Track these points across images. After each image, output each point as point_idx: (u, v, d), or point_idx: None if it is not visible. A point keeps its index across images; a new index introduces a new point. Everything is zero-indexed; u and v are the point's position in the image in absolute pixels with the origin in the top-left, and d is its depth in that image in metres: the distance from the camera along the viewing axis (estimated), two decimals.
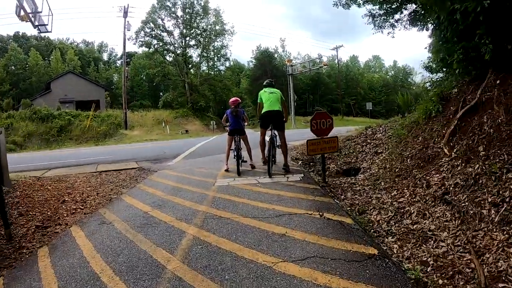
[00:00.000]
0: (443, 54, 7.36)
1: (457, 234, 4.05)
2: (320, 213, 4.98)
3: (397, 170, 6.78)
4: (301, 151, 10.76)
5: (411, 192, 5.64)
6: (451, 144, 5.85)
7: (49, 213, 6.07)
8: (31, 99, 44.36)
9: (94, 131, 34.46)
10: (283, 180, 7.01)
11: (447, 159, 5.65)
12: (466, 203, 4.41)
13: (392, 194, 5.97)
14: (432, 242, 4.07)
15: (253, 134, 12.01)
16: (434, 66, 11.62)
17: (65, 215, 6.01)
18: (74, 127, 34.75)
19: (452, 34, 6.67)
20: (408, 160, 6.76)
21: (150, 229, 4.72)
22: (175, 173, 8.66)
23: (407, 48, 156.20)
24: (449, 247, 3.86)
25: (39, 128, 33.38)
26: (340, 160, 9.16)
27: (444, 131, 6.28)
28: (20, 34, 68.74)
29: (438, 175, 5.53)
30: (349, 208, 5.54)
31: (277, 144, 7.98)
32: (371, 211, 5.49)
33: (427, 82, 13.77)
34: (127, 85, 63.46)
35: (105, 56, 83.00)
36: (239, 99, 8.81)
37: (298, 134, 17.96)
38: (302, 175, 7.37)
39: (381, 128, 10.47)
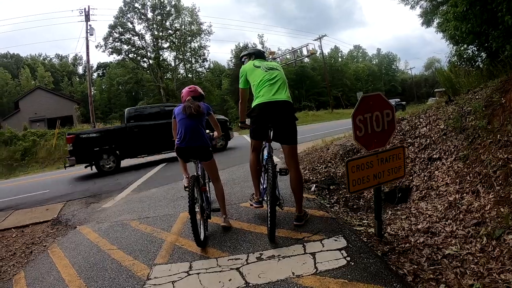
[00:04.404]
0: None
1: None
2: None
3: None
4: (309, 164, 7.13)
5: None
6: None
7: None
8: None
9: (61, 150, 30.63)
10: (306, 263, 3.16)
11: None
12: None
13: None
14: None
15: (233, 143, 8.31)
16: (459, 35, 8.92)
17: None
18: (40, 149, 30.94)
19: None
20: None
21: None
22: (94, 237, 4.88)
23: (384, 38, 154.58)
24: None
25: (1, 153, 29.69)
26: None
27: None
28: None
29: None
30: None
31: (280, 169, 4.20)
32: None
33: (454, 55, 10.92)
34: (103, 96, 61.61)
35: (80, 69, 78.91)
36: (199, 88, 4.65)
37: None
38: (345, 241, 3.49)
39: (421, 120, 6.95)
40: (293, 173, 4.05)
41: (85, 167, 12.37)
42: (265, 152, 4.19)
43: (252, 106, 4.09)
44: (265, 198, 3.96)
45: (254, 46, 58.60)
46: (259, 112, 3.99)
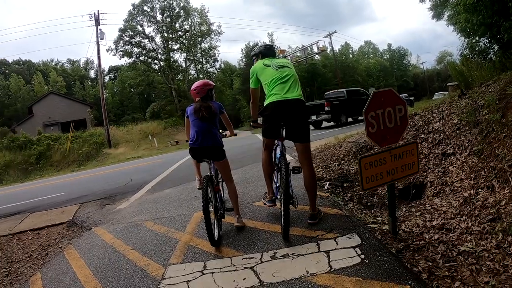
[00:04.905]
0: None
1: None
2: None
3: None
4: (322, 162, 7.10)
5: None
6: None
7: None
8: (13, 126, 41.87)
9: (75, 153, 31.13)
10: (320, 261, 3.13)
11: None
12: None
13: None
14: None
15: (246, 142, 8.34)
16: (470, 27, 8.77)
17: None
18: (54, 152, 31.53)
19: None
20: None
21: None
22: (109, 238, 4.95)
23: (395, 32, 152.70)
24: None
25: (16, 157, 30.21)
26: None
27: None
28: (1, 59, 65.54)
29: None
30: None
31: (293, 167, 4.23)
32: None
33: (465, 48, 10.71)
34: (115, 99, 62.17)
35: (92, 73, 79.63)
36: (210, 81, 4.55)
37: None
38: (359, 239, 3.45)
39: (434, 115, 6.83)
40: (307, 171, 4.03)
41: (334, 122, 19.18)
42: (278, 151, 4.18)
43: (264, 105, 4.09)
44: (279, 197, 3.95)
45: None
46: (271, 111, 3.99)
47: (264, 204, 4.45)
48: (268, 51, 4.51)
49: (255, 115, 4.64)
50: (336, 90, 22.19)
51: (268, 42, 60.90)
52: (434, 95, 38.65)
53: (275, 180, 4.29)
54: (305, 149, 4.05)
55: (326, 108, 18.23)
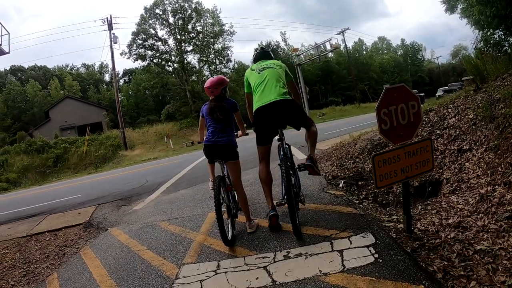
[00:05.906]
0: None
1: None
2: None
3: None
4: (337, 160, 7.07)
5: None
6: None
7: None
8: (31, 131, 42.58)
9: (92, 156, 31.58)
10: (333, 261, 3.09)
11: None
12: None
13: None
14: None
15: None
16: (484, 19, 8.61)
17: None
18: (71, 155, 32.03)
19: None
20: None
21: None
22: (125, 239, 5.03)
23: (408, 27, 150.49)
24: None
25: (34, 161, 30.79)
26: None
27: None
28: (17, 66, 66.70)
29: None
30: None
31: (298, 165, 4.23)
32: None
33: (480, 41, 10.52)
34: (130, 102, 62.74)
35: (106, 77, 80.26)
36: (224, 77, 4.41)
37: (320, 130, 13.86)
38: (373, 238, 3.39)
39: (450, 110, 6.72)
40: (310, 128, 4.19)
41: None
42: (281, 151, 4.19)
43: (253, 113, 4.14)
44: (286, 197, 3.88)
45: (277, 43, 58.41)
46: (258, 119, 4.06)
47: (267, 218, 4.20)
48: (261, 55, 4.55)
49: (252, 119, 4.63)
50: (454, 83, 34.30)
51: (281, 42, 60.89)
52: (438, 91, 38.15)
53: (281, 180, 4.28)
54: (308, 130, 4.20)
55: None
